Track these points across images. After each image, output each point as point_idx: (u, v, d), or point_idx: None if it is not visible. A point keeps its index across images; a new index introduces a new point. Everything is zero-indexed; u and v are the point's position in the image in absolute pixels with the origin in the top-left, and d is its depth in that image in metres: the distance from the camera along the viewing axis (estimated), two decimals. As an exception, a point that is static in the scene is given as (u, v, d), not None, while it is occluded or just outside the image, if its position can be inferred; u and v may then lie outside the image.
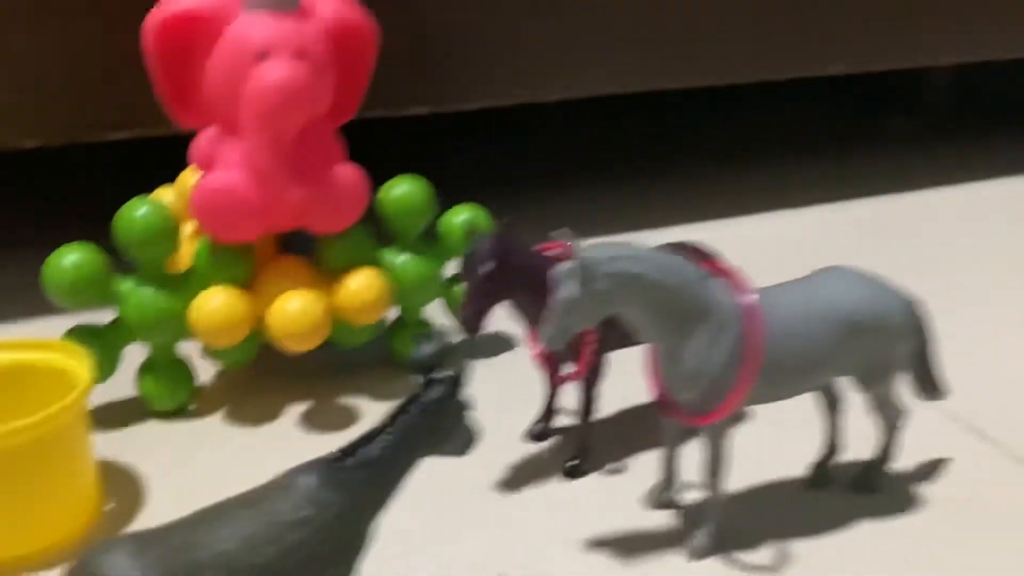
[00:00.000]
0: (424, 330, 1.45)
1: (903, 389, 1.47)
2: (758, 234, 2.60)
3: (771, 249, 2.48)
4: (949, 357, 1.63)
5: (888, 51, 2.67)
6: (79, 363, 1.41)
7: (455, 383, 1.11)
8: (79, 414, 1.37)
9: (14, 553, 1.31)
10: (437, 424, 1.11)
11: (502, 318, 1.93)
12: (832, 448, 1.53)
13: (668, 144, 3.57)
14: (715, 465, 1.34)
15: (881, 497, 1.51)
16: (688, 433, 1.44)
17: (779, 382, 1.29)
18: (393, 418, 1.09)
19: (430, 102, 2.18)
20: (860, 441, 1.54)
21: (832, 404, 1.49)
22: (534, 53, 2.25)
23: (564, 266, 1.19)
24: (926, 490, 1.52)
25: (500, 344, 2.00)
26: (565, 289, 1.19)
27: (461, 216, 1.80)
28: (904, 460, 1.58)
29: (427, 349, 1.13)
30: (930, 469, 1.58)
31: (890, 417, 1.45)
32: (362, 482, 1.05)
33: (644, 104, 3.56)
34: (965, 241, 2.64)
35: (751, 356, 1.25)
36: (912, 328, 1.38)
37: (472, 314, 1.39)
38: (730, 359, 1.25)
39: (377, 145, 2.02)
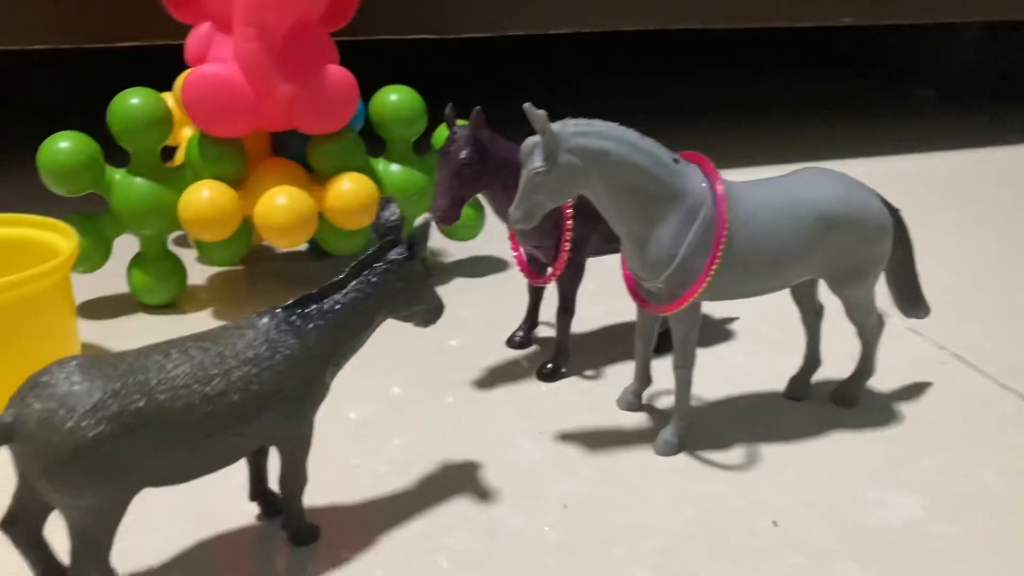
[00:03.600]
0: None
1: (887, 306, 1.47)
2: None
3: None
4: (943, 294, 1.61)
5: (896, 6, 2.66)
6: (65, 239, 1.44)
7: (414, 244, 1.12)
8: (60, 283, 1.40)
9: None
10: (397, 286, 1.12)
11: (493, 238, 1.95)
12: (812, 361, 1.52)
13: (699, 96, 3.57)
14: (683, 355, 1.33)
15: (858, 411, 1.50)
16: (659, 327, 1.44)
17: (746, 273, 1.28)
18: (352, 274, 1.10)
19: (433, 29, 2.19)
20: (844, 361, 1.53)
21: (813, 314, 1.48)
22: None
23: (531, 140, 1.20)
24: (905, 407, 1.51)
25: (491, 264, 2.01)
26: (531, 163, 1.19)
27: (455, 129, 1.81)
28: (889, 382, 1.57)
29: (389, 213, 1.15)
30: (914, 391, 1.56)
31: (867, 324, 1.44)
32: (317, 331, 1.06)
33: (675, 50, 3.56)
34: (975, 197, 2.63)
35: (716, 243, 1.24)
36: (888, 232, 1.36)
37: (447, 202, 1.40)
38: (697, 246, 1.24)
39: (379, 65, 2.04)
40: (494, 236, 1.94)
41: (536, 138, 1.19)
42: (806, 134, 3.14)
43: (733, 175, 1.32)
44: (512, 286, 1.87)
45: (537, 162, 1.18)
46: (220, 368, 0.99)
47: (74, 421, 0.91)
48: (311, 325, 1.06)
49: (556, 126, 1.18)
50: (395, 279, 1.12)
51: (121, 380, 0.94)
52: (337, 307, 1.08)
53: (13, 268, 1.37)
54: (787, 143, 2.98)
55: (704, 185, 1.26)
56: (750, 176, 1.36)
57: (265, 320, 1.05)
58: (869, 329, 1.45)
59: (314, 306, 1.07)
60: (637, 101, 3.51)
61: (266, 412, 1.02)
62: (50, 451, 0.91)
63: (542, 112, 1.17)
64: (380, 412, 1.47)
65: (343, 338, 1.09)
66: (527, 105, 1.17)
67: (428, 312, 1.19)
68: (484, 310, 1.81)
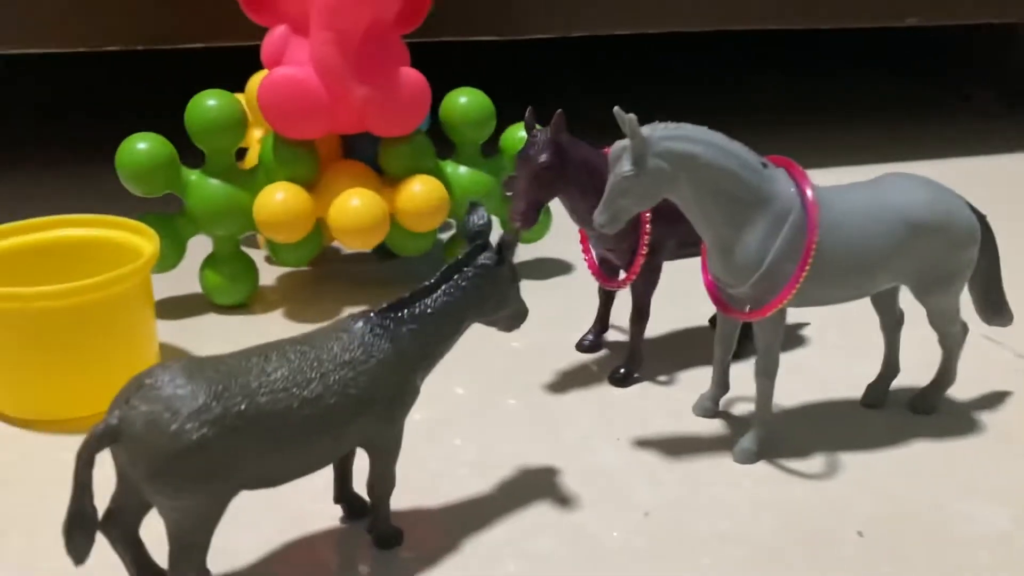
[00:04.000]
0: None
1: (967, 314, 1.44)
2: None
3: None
4: (1019, 301, 1.58)
5: (960, 6, 2.61)
6: (146, 240, 1.46)
7: (504, 250, 1.12)
8: (143, 283, 1.42)
9: (82, 414, 1.35)
10: (486, 290, 1.12)
11: (560, 239, 1.94)
12: (891, 369, 1.49)
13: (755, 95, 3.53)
14: (765, 363, 1.32)
15: (937, 419, 1.47)
16: (739, 333, 1.42)
17: (833, 279, 1.26)
18: (444, 278, 1.10)
19: (497, 31, 2.19)
20: (921, 368, 1.51)
21: (893, 322, 1.46)
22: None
23: (619, 144, 1.19)
24: (985, 416, 1.48)
25: (555, 266, 2.00)
26: (620, 167, 1.18)
27: (522, 132, 1.81)
28: (967, 390, 1.54)
29: (478, 217, 1.14)
30: (993, 399, 1.53)
31: (950, 332, 1.41)
32: (410, 335, 1.07)
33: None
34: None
35: (807, 249, 1.23)
36: (976, 238, 1.34)
37: (525, 205, 1.39)
38: (785, 252, 1.23)
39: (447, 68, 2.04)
40: (559, 238, 1.93)
41: (625, 142, 1.18)
42: (863, 136, 3.09)
43: (817, 176, 1.30)
44: (577, 288, 1.86)
45: (626, 166, 1.18)
46: (317, 371, 1.00)
47: (179, 424, 0.91)
48: (404, 329, 1.06)
49: (645, 130, 1.17)
50: (484, 283, 1.12)
51: (223, 383, 0.95)
52: (429, 311, 1.08)
53: (95, 268, 1.38)
54: (845, 145, 2.94)
55: (792, 190, 1.24)
56: (833, 177, 1.34)
57: (360, 324, 1.05)
58: (952, 337, 1.42)
59: (406, 310, 1.08)
60: (689, 104, 3.49)
61: (361, 415, 1.03)
62: (155, 453, 0.91)
63: (632, 116, 1.15)
64: (447, 414, 1.46)
65: (434, 342, 1.09)
66: (617, 109, 1.16)
67: (514, 316, 1.19)
68: (549, 313, 1.80)
